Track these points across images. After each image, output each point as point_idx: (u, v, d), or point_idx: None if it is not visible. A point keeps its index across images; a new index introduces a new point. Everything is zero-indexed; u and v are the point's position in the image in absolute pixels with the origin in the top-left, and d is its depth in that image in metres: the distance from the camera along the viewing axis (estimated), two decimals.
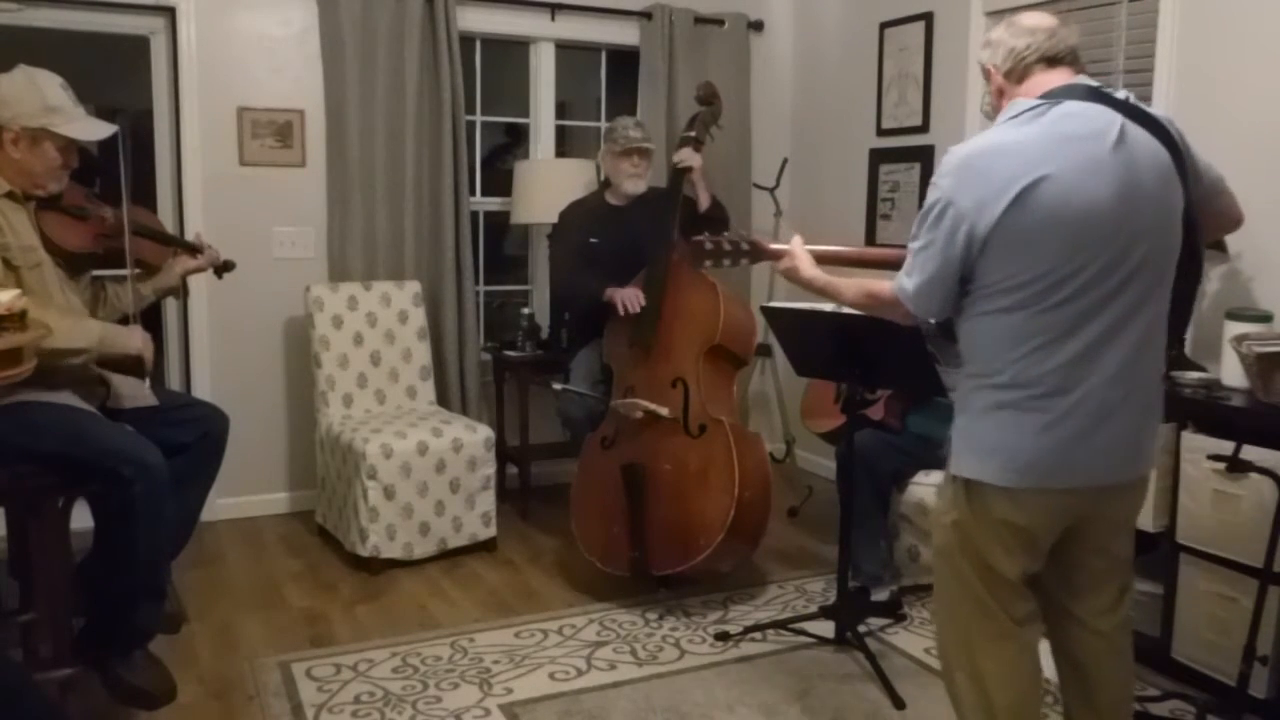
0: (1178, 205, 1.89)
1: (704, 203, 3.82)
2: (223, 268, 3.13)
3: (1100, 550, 2.05)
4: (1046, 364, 1.83)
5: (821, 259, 2.32)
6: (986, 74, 2.03)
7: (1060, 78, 1.93)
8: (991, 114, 2.04)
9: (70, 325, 2.50)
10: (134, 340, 2.66)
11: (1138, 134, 1.85)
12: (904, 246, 2.02)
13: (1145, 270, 1.85)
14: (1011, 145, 1.83)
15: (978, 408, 1.92)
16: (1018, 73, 1.96)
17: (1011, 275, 1.82)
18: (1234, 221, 2.13)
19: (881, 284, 2.08)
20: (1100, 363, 1.84)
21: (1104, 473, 1.92)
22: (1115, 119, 1.83)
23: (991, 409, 1.89)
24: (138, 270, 2.87)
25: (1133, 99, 1.90)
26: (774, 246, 2.44)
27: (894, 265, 2.31)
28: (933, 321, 2.03)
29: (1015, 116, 1.88)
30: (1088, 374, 1.84)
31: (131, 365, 2.69)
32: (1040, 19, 1.99)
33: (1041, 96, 1.89)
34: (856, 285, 2.15)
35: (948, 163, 1.88)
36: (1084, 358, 1.83)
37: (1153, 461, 2.02)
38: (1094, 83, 1.92)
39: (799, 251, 2.31)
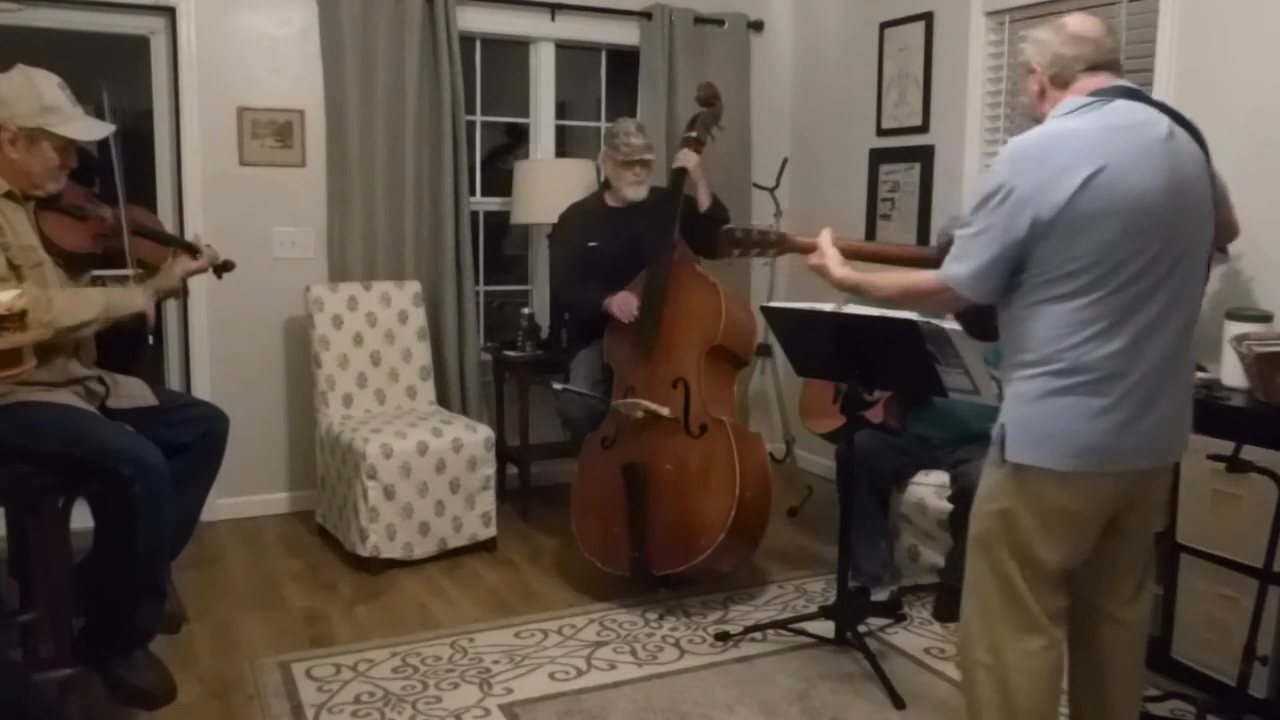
0: (1210, 203, 1.98)
1: (704, 202, 3.82)
2: (222, 267, 3.12)
3: (1132, 536, 2.11)
4: (1102, 350, 1.89)
5: (847, 253, 2.32)
6: (1030, 71, 2.07)
7: (1102, 81, 1.99)
8: (1031, 111, 2.10)
9: (75, 299, 2.52)
10: (138, 299, 2.67)
11: (1179, 131, 1.94)
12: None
13: (1187, 259, 1.93)
14: (1069, 133, 1.90)
15: (1032, 395, 1.95)
16: (1062, 78, 2.02)
17: (1071, 259, 1.87)
18: (1232, 233, 2.21)
19: (922, 275, 2.10)
20: (1149, 348, 1.91)
21: (1151, 456, 2.00)
22: (1161, 117, 1.93)
23: (1047, 395, 1.93)
24: (139, 271, 2.87)
25: (1168, 103, 2.00)
26: (803, 240, 2.44)
27: (917, 262, 2.33)
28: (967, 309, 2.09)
29: (1069, 111, 1.94)
30: (1139, 360, 1.90)
31: (137, 326, 2.70)
32: (1088, 25, 2.03)
33: (1090, 94, 1.96)
34: (893, 280, 2.16)
35: (1007, 151, 1.94)
36: (1136, 343, 1.90)
37: (1187, 444, 2.09)
38: (1135, 85, 2.00)
39: (828, 249, 2.32)
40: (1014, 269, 1.93)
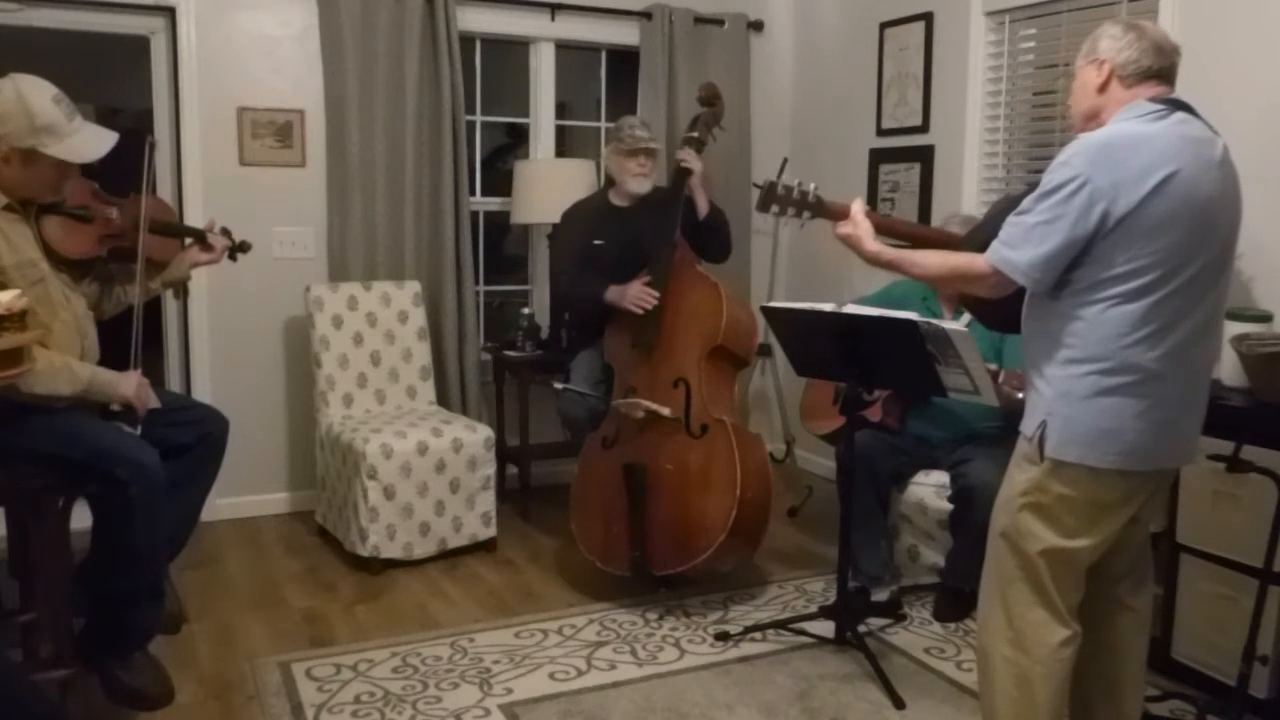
0: (1241, 219, 2.08)
1: (703, 209, 3.80)
2: (238, 249, 3.07)
3: (1142, 525, 2.20)
4: (1152, 352, 1.94)
5: (878, 228, 2.32)
6: (1097, 62, 2.08)
7: (1161, 91, 2.06)
8: (1078, 103, 2.13)
9: (58, 367, 2.42)
10: (124, 388, 2.56)
11: (1228, 152, 2.04)
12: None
13: (1227, 270, 2.04)
14: (1148, 135, 1.95)
15: (1082, 392, 1.98)
16: (1130, 80, 2.06)
17: (1135, 259, 1.91)
18: None
19: (970, 257, 2.10)
20: (1191, 353, 1.99)
21: (1180, 456, 2.10)
22: (1215, 135, 2.02)
23: (1097, 394, 1.97)
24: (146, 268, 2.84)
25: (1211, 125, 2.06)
26: (837, 205, 2.44)
27: (944, 244, 2.33)
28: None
29: (1142, 115, 1.99)
30: (1181, 363, 1.97)
31: (120, 410, 2.60)
32: (1166, 41, 2.09)
33: (1153, 101, 2.02)
34: (938, 259, 2.18)
35: (1083, 144, 1.96)
36: (1181, 347, 1.96)
37: (1199, 445, 2.16)
38: (1188, 102, 2.06)
39: (861, 219, 2.31)
40: (1070, 264, 1.96)
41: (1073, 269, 1.97)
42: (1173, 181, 1.89)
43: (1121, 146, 1.94)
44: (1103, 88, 2.08)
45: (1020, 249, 1.98)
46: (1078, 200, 1.91)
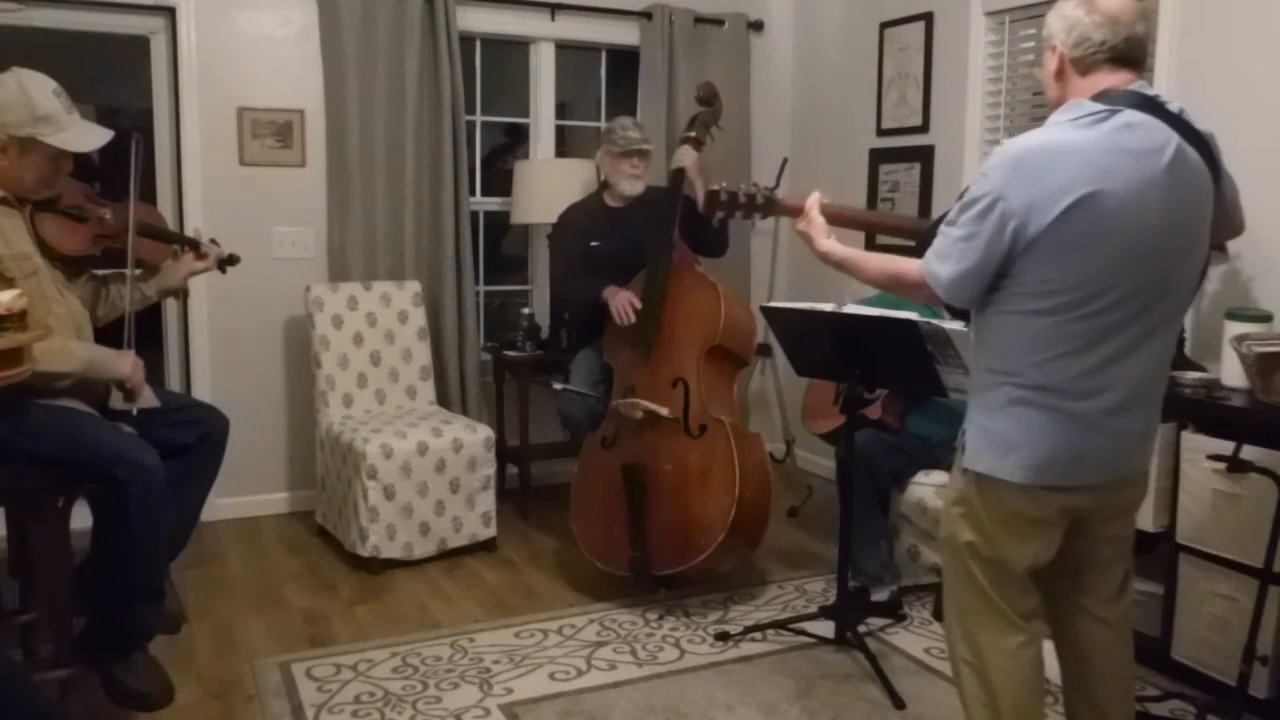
0: (1209, 224, 1.92)
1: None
2: (227, 261, 3.11)
3: (1107, 538, 2.08)
4: (1069, 370, 1.85)
5: (835, 219, 2.29)
6: (1051, 47, 1.92)
7: (1123, 80, 1.87)
8: (1046, 91, 1.98)
9: (57, 348, 2.45)
10: (122, 366, 2.60)
11: (1188, 154, 1.84)
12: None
13: (1174, 290, 1.89)
14: (1070, 149, 1.79)
15: (996, 403, 1.93)
16: (1084, 64, 1.88)
17: (1048, 280, 1.82)
18: (1236, 231, 2.14)
19: (907, 264, 2.04)
20: (1118, 370, 1.86)
21: (1111, 472, 1.96)
22: (1171, 136, 1.82)
23: (1010, 405, 1.90)
24: (138, 272, 2.86)
25: (1185, 113, 1.87)
26: (790, 203, 2.41)
27: (906, 232, 2.29)
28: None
29: (1076, 119, 1.83)
30: (1107, 381, 1.86)
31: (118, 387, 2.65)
32: (1123, 9, 1.86)
33: (1100, 97, 1.84)
34: (878, 263, 2.13)
35: (1002, 156, 1.84)
36: (1105, 365, 1.85)
37: (1152, 455, 2.07)
38: (1151, 91, 1.88)
39: (815, 217, 2.28)
40: (994, 277, 1.87)
41: (999, 278, 1.87)
42: (1091, 202, 1.75)
43: (1037, 162, 1.79)
44: (1059, 75, 1.92)
45: (943, 262, 1.90)
46: (991, 219, 1.81)
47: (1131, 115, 1.82)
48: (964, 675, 2.08)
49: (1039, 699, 2.07)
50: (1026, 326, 1.86)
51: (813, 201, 2.30)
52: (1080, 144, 1.79)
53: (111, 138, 2.62)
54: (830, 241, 2.24)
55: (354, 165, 4.26)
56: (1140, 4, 1.91)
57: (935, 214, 4.24)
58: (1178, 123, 1.85)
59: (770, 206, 2.48)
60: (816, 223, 2.26)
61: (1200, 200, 1.88)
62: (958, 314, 2.33)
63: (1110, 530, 2.08)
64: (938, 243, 1.93)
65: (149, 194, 4.08)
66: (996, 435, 1.93)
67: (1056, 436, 1.88)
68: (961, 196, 1.95)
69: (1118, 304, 1.82)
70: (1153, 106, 1.84)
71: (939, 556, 3.35)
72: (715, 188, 2.50)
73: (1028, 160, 1.81)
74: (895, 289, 2.13)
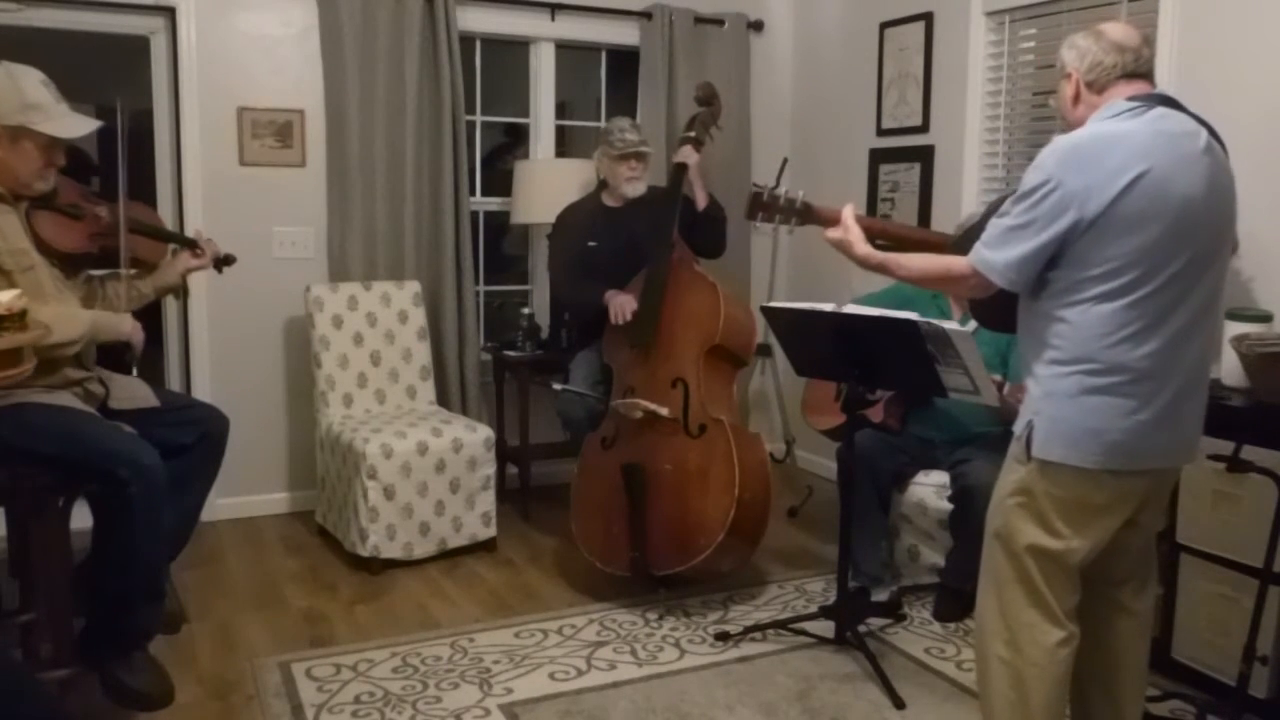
0: (1235, 210, 2.06)
1: (701, 201, 3.82)
2: (223, 261, 3.11)
3: (1143, 528, 2.18)
4: (1138, 350, 1.94)
5: (867, 230, 2.34)
6: (1067, 76, 2.11)
7: (1139, 88, 2.05)
8: (1062, 114, 2.16)
9: (62, 317, 2.49)
10: (124, 325, 2.67)
11: (1215, 144, 2.00)
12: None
13: (1216, 267, 2.02)
14: (1120, 135, 1.94)
15: (1066, 392, 1.99)
16: (1099, 84, 2.07)
17: (1110, 260, 1.92)
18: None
19: (953, 258, 2.13)
20: (1182, 351, 1.97)
21: (1174, 456, 2.08)
22: (1200, 127, 1.99)
23: (1081, 394, 1.97)
24: (133, 271, 2.86)
25: (1200, 114, 2.03)
26: (827, 211, 2.45)
27: (935, 247, 2.36)
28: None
29: (1117, 114, 1.99)
30: (1172, 362, 1.96)
31: (121, 352, 2.71)
32: (1128, 36, 2.08)
33: (1131, 99, 2.01)
34: (922, 262, 2.21)
35: (1054, 149, 1.98)
36: (1170, 346, 1.95)
37: (1199, 445, 2.14)
38: (1172, 95, 2.05)
39: (851, 224, 2.33)
40: (1048, 265, 1.97)
41: (1052, 269, 1.98)
42: (1144, 180, 1.89)
43: (1092, 148, 1.94)
44: (1076, 99, 2.10)
45: (997, 250, 2.00)
46: (1049, 203, 1.93)
47: (1162, 109, 1.99)
48: (995, 673, 2.12)
49: (1064, 705, 2.13)
50: (1091, 313, 1.95)
51: (849, 211, 2.37)
52: (1128, 130, 1.95)
53: (100, 126, 2.66)
54: (867, 247, 2.31)
55: (354, 165, 4.26)
56: (1140, 31, 2.12)
57: (934, 218, 4.25)
58: (1198, 119, 2.02)
59: (807, 214, 2.52)
60: (855, 231, 2.32)
61: (1229, 185, 2.03)
62: (980, 318, 2.37)
63: (1150, 517, 2.18)
64: (988, 233, 2.04)
65: (149, 195, 4.09)
66: (1068, 423, 1.99)
67: (1131, 420, 1.96)
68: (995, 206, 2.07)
69: (1173, 280, 1.93)
70: (1176, 105, 2.02)
71: (939, 556, 3.39)
72: (759, 189, 2.53)
73: (1082, 148, 1.95)
74: (941, 283, 2.24)
